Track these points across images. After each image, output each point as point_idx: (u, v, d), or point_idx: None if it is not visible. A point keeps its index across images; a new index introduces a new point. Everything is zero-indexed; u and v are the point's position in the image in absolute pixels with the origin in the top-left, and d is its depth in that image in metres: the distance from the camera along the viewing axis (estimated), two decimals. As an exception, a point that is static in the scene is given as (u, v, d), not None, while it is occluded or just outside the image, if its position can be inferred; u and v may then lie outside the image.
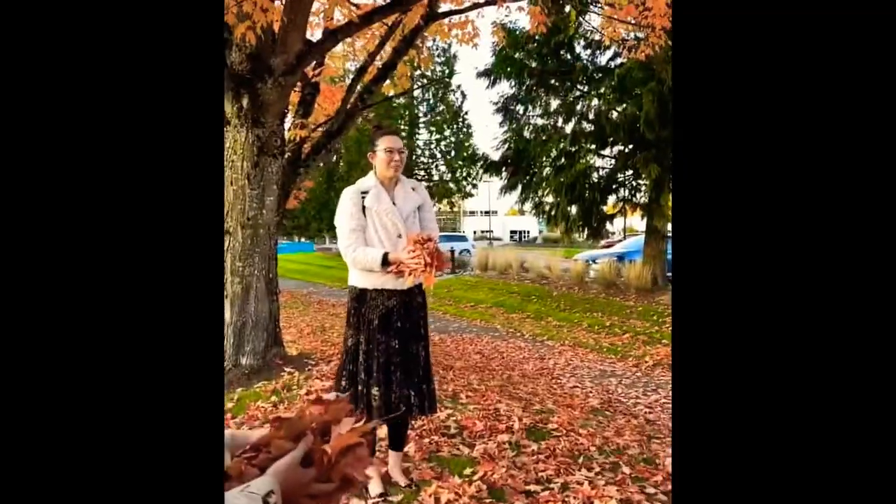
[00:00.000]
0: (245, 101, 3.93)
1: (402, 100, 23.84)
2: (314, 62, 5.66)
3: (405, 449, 2.63)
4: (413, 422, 2.76)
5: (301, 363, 4.29)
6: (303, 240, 30.62)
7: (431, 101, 26.76)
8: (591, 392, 4.94)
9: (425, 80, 25.03)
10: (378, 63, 5.28)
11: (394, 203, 2.27)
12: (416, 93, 26.04)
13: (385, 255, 2.14)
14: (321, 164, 23.13)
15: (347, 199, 2.27)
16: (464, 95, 27.54)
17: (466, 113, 27.50)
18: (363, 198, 2.26)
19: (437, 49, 24.85)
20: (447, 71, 25.89)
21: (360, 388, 2.24)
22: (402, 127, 24.39)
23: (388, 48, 5.26)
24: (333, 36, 4.15)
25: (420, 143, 26.86)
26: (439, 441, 2.85)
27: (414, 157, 26.12)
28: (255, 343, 4.11)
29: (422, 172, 26.75)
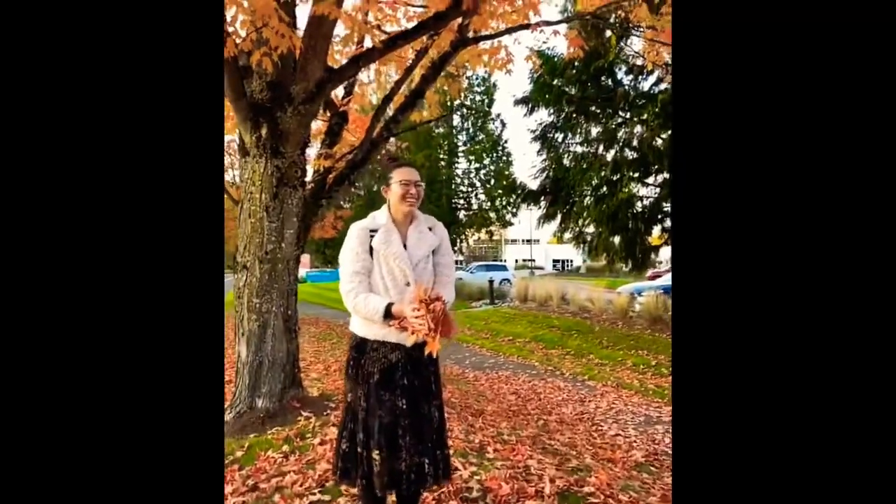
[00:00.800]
0: (264, 131, 3.80)
1: (441, 129, 23.96)
2: (343, 91, 5.58)
3: (418, 518, 2.32)
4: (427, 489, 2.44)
5: (321, 406, 4.03)
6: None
7: (471, 130, 26.76)
8: (634, 442, 4.49)
9: (465, 110, 25.13)
10: (406, 91, 5.11)
11: (405, 245, 2.00)
12: (456, 122, 26.14)
13: (388, 307, 1.87)
14: (363, 192, 23.33)
15: (354, 238, 2.01)
16: (503, 124, 27.42)
17: (506, 141, 27.29)
18: (371, 237, 2.00)
19: (476, 78, 24.95)
20: (486, 100, 25.89)
21: (359, 449, 1.97)
22: (442, 156, 24.46)
23: (416, 76, 5.07)
24: (355, 63, 3.99)
25: (459, 171, 26.85)
26: (458, 507, 2.52)
27: (453, 185, 26.10)
28: (272, 385, 3.89)
29: (461, 201, 26.67)
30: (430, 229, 2.10)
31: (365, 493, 2.02)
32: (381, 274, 1.97)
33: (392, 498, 2.19)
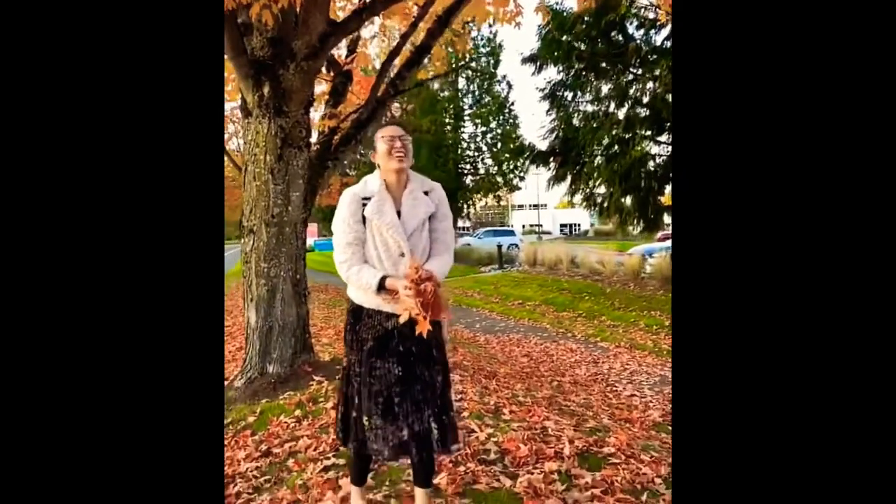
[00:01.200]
0: (266, 89, 3.65)
1: (446, 92, 23.47)
2: (346, 49, 5.39)
3: (436, 480, 2.28)
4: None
5: (332, 370, 3.98)
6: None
7: (477, 93, 26.17)
8: (651, 402, 4.43)
9: (470, 72, 24.55)
10: (411, 47, 4.91)
11: (399, 213, 1.89)
12: (461, 85, 25.56)
13: (382, 280, 1.79)
14: (368, 161, 23.11)
15: (345, 207, 1.89)
16: (510, 85, 26.65)
17: (513, 103, 26.74)
18: (364, 205, 1.88)
19: (482, 39, 24.29)
20: (493, 61, 25.26)
21: (353, 414, 1.93)
22: (447, 121, 24.03)
23: (421, 31, 4.86)
24: (359, 15, 3.81)
25: (465, 136, 26.38)
26: (476, 470, 2.46)
27: (459, 150, 25.72)
28: (283, 350, 3.84)
29: (467, 166, 26.32)
30: (427, 193, 1.97)
31: (355, 456, 2.01)
32: (374, 244, 1.88)
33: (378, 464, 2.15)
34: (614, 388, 4.71)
